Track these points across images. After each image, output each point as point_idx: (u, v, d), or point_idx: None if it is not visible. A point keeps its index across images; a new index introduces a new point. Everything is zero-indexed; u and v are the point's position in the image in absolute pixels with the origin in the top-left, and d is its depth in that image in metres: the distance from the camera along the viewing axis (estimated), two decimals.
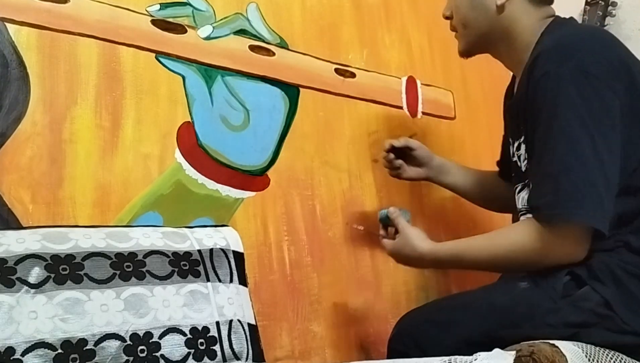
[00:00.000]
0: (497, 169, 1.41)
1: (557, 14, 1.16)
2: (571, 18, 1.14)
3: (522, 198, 1.14)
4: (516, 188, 1.16)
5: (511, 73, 1.23)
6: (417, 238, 1.13)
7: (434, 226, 1.68)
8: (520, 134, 1.11)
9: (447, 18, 1.20)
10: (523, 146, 1.10)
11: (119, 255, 0.95)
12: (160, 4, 1.28)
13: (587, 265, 0.95)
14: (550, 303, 0.95)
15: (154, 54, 1.25)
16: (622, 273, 0.93)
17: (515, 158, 1.15)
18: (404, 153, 1.41)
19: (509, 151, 1.23)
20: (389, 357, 1.07)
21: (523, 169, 1.11)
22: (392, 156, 1.40)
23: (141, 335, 0.91)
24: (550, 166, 0.96)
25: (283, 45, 1.47)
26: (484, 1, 1.12)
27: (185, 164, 1.25)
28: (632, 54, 1.06)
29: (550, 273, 0.97)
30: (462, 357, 0.79)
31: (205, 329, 0.97)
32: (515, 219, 1.16)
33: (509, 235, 1.02)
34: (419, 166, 1.41)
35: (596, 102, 0.94)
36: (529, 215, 1.07)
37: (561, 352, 0.78)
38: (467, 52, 1.22)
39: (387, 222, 1.22)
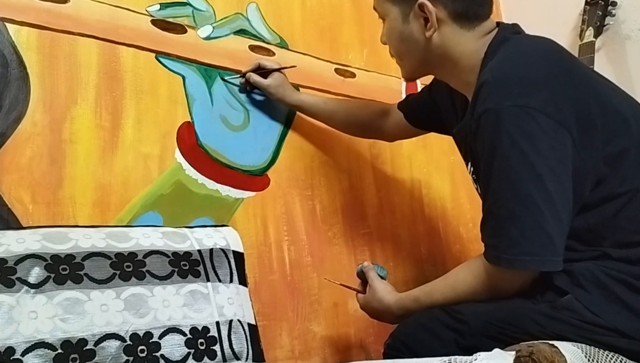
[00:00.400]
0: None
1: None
2: (515, 26, 1.09)
3: None
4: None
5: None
6: (383, 291, 1.15)
7: (434, 226, 1.68)
8: (467, 159, 1.11)
9: (384, 43, 1.15)
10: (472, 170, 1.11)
11: (119, 255, 0.95)
12: (160, 4, 1.29)
13: (568, 273, 0.93)
14: (531, 306, 0.95)
15: (154, 54, 1.26)
16: (608, 279, 0.91)
17: (470, 175, 1.14)
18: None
19: (426, 103, 1.27)
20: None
21: (477, 189, 1.10)
22: (254, 76, 1.37)
23: (141, 335, 0.91)
24: (494, 208, 0.94)
25: (283, 45, 1.47)
26: (412, 34, 1.07)
27: (185, 164, 1.26)
28: (576, 60, 1.02)
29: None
30: (461, 357, 0.79)
31: (205, 329, 0.97)
32: None
33: (465, 278, 1.03)
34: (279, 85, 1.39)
35: (541, 137, 0.90)
36: None
37: (560, 352, 0.78)
38: (409, 79, 1.23)
39: (363, 277, 1.23)
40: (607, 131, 0.94)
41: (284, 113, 1.44)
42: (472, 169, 1.12)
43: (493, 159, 0.93)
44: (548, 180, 0.90)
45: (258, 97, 1.40)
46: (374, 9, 1.14)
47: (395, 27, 1.09)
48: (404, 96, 1.68)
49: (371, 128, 1.43)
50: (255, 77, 1.36)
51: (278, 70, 1.38)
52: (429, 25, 1.04)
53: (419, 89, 1.70)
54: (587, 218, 0.94)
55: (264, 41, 1.44)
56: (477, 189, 1.12)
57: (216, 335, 0.98)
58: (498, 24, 1.09)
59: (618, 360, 0.86)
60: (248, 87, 1.38)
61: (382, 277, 1.20)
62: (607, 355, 0.86)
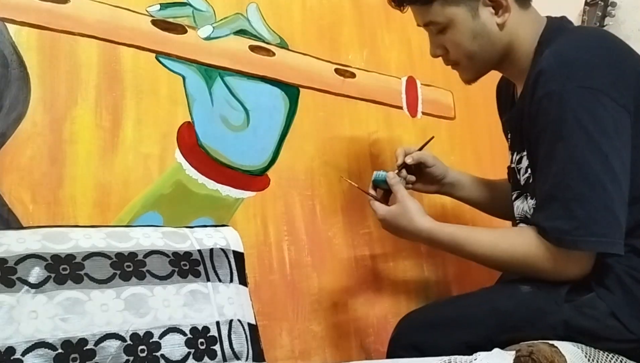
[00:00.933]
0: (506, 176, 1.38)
1: (556, 14, 1.14)
2: (564, 19, 1.11)
3: (517, 207, 1.12)
4: (512, 194, 1.15)
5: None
6: (417, 213, 1.09)
7: None
8: (522, 148, 1.09)
9: (436, 56, 1.13)
10: (525, 160, 1.09)
11: (119, 254, 0.96)
12: (160, 4, 1.29)
13: (593, 271, 0.94)
14: (554, 306, 0.94)
15: (154, 54, 1.26)
16: (629, 279, 0.92)
17: (515, 168, 1.13)
18: (418, 167, 1.27)
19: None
20: (389, 358, 1.07)
21: (522, 182, 1.10)
22: (404, 173, 1.23)
23: (141, 334, 0.91)
24: (559, 191, 0.93)
25: (283, 45, 1.47)
26: (485, 27, 1.06)
27: (186, 164, 1.26)
28: (634, 51, 1.03)
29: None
30: (461, 356, 0.79)
31: (206, 329, 0.97)
32: (514, 225, 1.15)
33: (515, 242, 0.99)
34: (432, 184, 1.31)
35: (606, 118, 0.91)
36: (523, 224, 1.07)
37: (560, 352, 0.78)
38: (474, 80, 1.17)
39: (380, 185, 1.15)
40: None
41: (284, 113, 1.44)
42: (518, 158, 1.10)
43: (557, 141, 0.93)
44: (614, 160, 0.90)
45: (258, 98, 1.40)
46: (425, 25, 1.10)
47: (466, 28, 1.07)
48: (404, 96, 1.68)
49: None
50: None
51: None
52: (500, 11, 1.05)
53: (418, 88, 1.71)
54: (632, 211, 0.94)
55: (264, 41, 1.44)
56: (518, 179, 1.10)
57: (216, 334, 0.98)
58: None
59: (618, 360, 0.86)
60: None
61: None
62: (607, 355, 0.86)
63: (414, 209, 1.09)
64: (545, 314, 0.94)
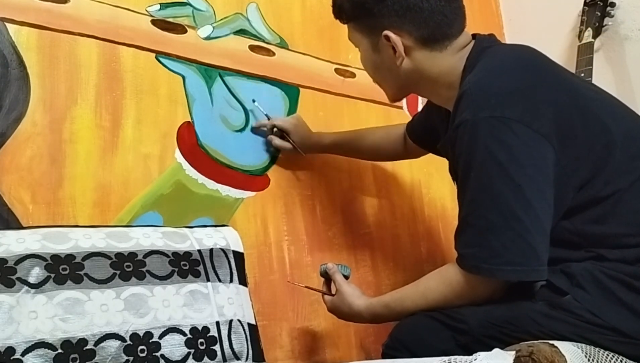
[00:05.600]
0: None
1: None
2: (491, 36, 1.09)
3: None
4: None
5: None
6: (352, 296, 1.14)
7: (434, 226, 1.68)
8: (451, 173, 1.09)
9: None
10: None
11: (119, 254, 0.95)
12: (160, 4, 1.29)
13: (567, 274, 0.93)
14: (529, 303, 0.94)
15: (154, 54, 1.26)
16: (605, 279, 0.91)
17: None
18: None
19: (432, 120, 1.24)
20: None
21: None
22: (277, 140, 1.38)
23: (141, 335, 0.91)
24: (472, 219, 0.94)
25: (283, 45, 1.47)
26: (384, 62, 1.07)
27: (185, 164, 1.26)
28: (557, 67, 1.02)
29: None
30: (461, 357, 0.79)
31: (205, 329, 0.97)
32: None
33: (437, 286, 1.02)
34: (304, 147, 1.40)
35: (518, 146, 0.90)
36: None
37: (560, 352, 0.78)
38: (393, 101, 1.21)
39: (327, 277, 1.21)
40: (588, 136, 0.94)
41: (284, 113, 1.44)
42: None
43: (470, 170, 0.93)
44: (527, 189, 0.90)
45: (258, 98, 1.40)
46: (349, 39, 1.13)
47: (367, 57, 1.11)
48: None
49: (396, 155, 1.46)
50: (277, 141, 1.37)
51: (294, 146, 1.37)
52: (397, 54, 1.04)
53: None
54: (574, 222, 0.94)
55: (264, 41, 1.44)
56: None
57: (216, 335, 0.98)
58: (474, 36, 1.08)
59: (618, 360, 0.86)
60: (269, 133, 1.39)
61: (346, 277, 1.19)
62: (607, 355, 0.86)
63: (349, 293, 1.15)
64: (524, 313, 0.94)
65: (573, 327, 0.90)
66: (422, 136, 1.34)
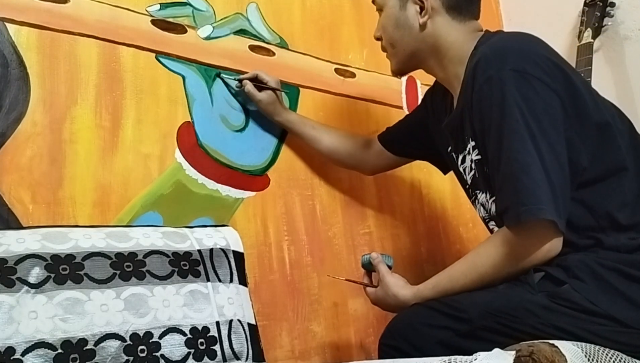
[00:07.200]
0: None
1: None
2: (500, 31, 1.16)
3: (479, 209, 1.15)
4: (472, 198, 1.17)
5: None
6: (396, 286, 1.13)
7: (434, 226, 1.68)
8: (465, 145, 1.11)
9: (377, 39, 1.22)
10: (468, 159, 1.11)
11: (119, 254, 0.95)
12: (160, 4, 1.29)
13: (563, 266, 0.95)
14: (529, 295, 0.96)
15: (154, 54, 1.26)
16: (600, 268, 0.94)
17: (461, 170, 1.16)
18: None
19: (410, 128, 1.32)
20: (380, 354, 1.07)
21: (469, 181, 1.14)
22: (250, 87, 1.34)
23: (141, 335, 0.91)
24: (508, 165, 0.97)
25: (283, 45, 1.47)
26: (407, 20, 1.14)
27: (185, 164, 1.26)
28: (560, 56, 1.07)
29: (523, 274, 0.99)
30: (461, 356, 0.79)
31: (205, 329, 0.97)
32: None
33: (486, 251, 1.02)
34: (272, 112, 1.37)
35: (537, 102, 0.96)
36: (493, 223, 1.10)
37: (560, 352, 0.78)
38: (399, 71, 1.24)
39: (369, 268, 1.20)
40: (591, 113, 1.01)
41: None
42: (461, 158, 1.14)
43: (503, 121, 0.97)
44: (541, 143, 0.95)
45: None
46: (373, 1, 1.20)
47: (392, 14, 1.17)
48: (404, 96, 1.69)
49: (352, 160, 1.45)
50: (250, 87, 1.34)
51: (274, 89, 1.35)
52: (423, 12, 1.12)
53: (418, 88, 1.71)
54: (582, 194, 0.98)
55: (264, 41, 1.44)
56: (465, 181, 1.15)
57: (216, 335, 0.98)
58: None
59: (618, 359, 0.86)
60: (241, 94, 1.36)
61: (389, 267, 1.17)
62: (608, 354, 0.86)
63: (393, 283, 1.14)
64: (522, 304, 0.95)
65: (572, 318, 0.92)
66: (401, 141, 1.38)
